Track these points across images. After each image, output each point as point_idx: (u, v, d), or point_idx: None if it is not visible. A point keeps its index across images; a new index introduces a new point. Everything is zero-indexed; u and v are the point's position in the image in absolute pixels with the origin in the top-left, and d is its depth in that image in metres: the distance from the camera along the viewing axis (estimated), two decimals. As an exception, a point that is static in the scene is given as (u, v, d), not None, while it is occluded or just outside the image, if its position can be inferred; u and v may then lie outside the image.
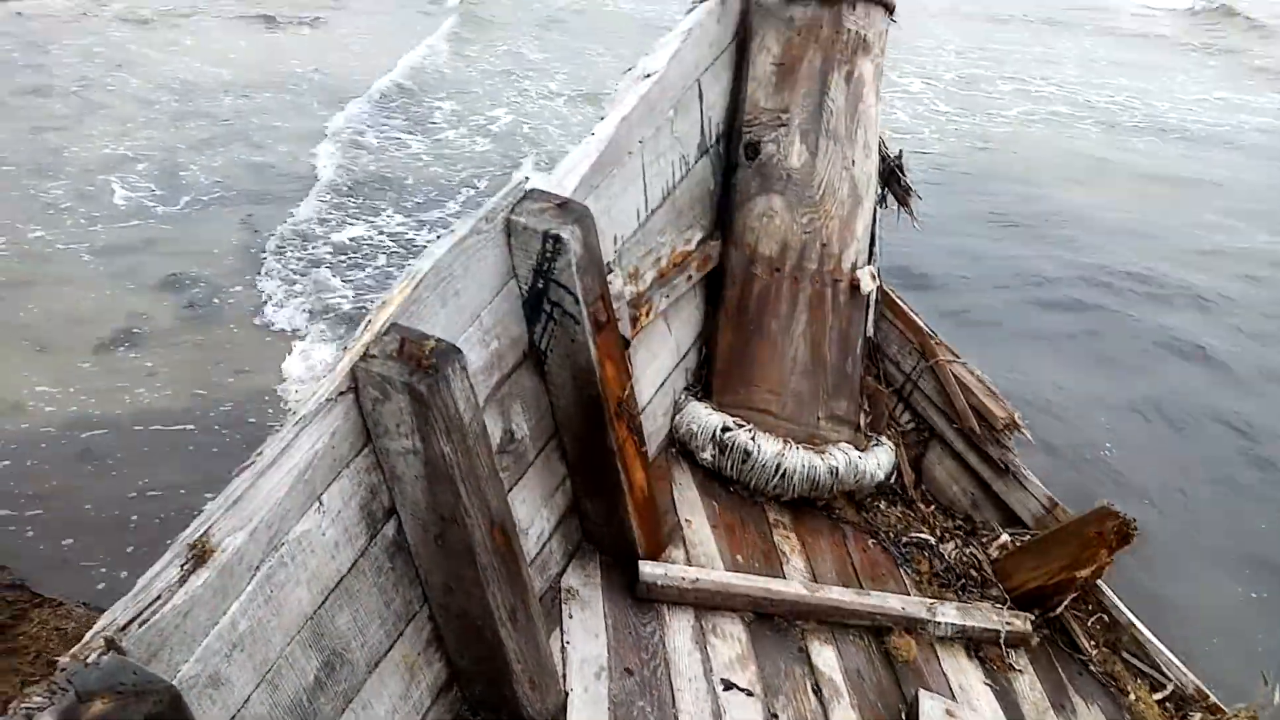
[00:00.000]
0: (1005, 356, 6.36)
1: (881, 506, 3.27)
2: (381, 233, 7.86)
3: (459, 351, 1.82)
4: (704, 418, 3.09)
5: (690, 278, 3.19)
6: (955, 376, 3.31)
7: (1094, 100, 13.85)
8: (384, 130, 10.40)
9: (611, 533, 2.63)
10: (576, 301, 2.25)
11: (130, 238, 7.46)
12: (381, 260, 7.40)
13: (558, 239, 2.18)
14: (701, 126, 3.27)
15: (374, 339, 1.79)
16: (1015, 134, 12.12)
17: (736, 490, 3.12)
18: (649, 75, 2.99)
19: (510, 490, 2.33)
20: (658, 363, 3.09)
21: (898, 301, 3.51)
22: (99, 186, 8.36)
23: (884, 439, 3.31)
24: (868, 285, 3.31)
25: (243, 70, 12.08)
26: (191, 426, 5.25)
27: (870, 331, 3.45)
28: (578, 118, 11.31)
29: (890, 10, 3.45)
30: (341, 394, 1.77)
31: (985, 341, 6.42)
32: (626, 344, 2.50)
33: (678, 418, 3.17)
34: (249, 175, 8.85)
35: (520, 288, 2.30)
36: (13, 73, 11.23)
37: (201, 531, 1.52)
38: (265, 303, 6.59)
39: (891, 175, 3.62)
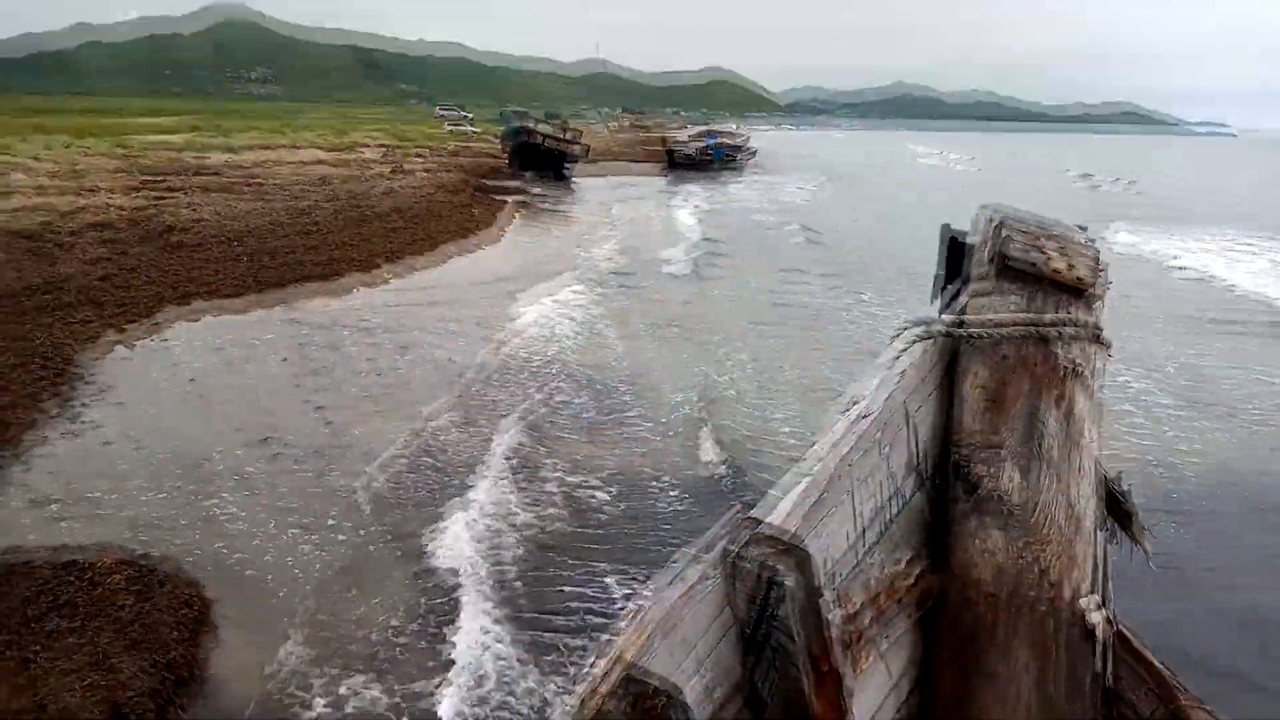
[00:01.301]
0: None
1: None
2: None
3: (686, 705, 1.92)
4: (923, 760, 2.96)
5: (902, 604, 3.18)
6: (1203, 728, 3.03)
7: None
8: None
9: None
10: (794, 642, 2.32)
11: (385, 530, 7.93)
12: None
13: (780, 584, 2.29)
14: (911, 453, 3.38)
15: (610, 690, 1.94)
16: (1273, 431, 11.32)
17: (960, 844, 2.90)
18: (857, 403, 3.17)
19: None
20: (871, 697, 3.03)
21: (1131, 639, 3.31)
22: (367, 476, 9.11)
23: (1124, 794, 3.02)
24: (1095, 619, 3.17)
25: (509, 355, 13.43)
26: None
27: (1101, 669, 3.25)
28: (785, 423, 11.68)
29: (1100, 338, 3.53)
30: None
31: (1242, 688, 5.74)
32: (842, 683, 2.51)
33: (894, 755, 3.05)
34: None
35: (741, 628, 2.40)
36: (306, 357, 13.01)
37: None
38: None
39: (1114, 503, 3.54)
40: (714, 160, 62.53)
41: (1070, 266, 3.55)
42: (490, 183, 40.66)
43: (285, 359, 12.83)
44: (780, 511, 2.65)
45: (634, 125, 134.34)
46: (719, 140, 67.50)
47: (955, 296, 3.70)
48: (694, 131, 75.98)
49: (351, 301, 16.82)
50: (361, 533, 7.80)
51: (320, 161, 40.56)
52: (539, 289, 18.77)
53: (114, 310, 14.66)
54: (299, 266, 18.74)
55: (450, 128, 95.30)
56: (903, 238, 28.65)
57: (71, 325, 13.63)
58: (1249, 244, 30.36)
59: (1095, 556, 3.35)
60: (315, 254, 19.88)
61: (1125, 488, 3.64)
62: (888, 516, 3.21)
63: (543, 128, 51.59)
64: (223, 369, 12.40)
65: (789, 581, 2.28)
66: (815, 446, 3.01)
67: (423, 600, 6.83)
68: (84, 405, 10.67)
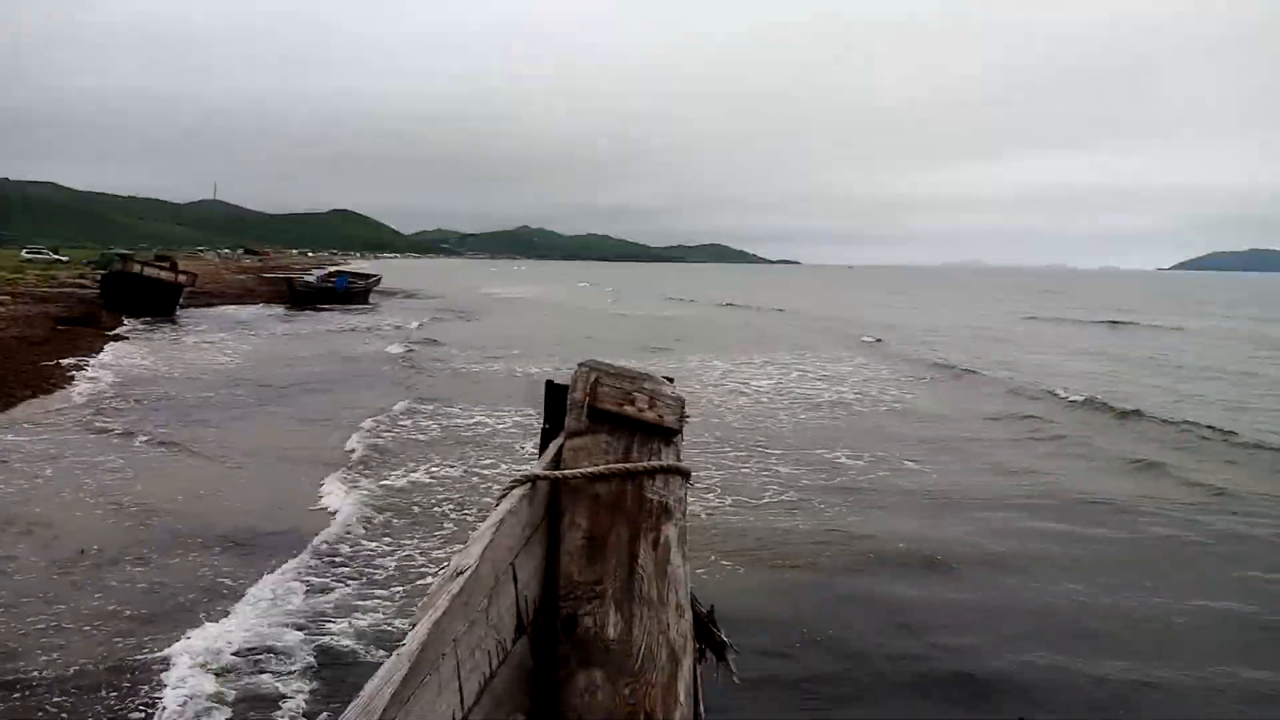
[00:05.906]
0: None
1: None
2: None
3: None
4: None
5: (511, 763, 3.02)
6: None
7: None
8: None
9: None
10: None
11: None
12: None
13: None
14: (518, 608, 3.33)
15: None
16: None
17: None
18: (461, 572, 3.07)
19: None
20: None
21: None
22: None
23: None
24: (698, 755, 3.22)
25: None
26: None
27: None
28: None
29: (687, 477, 3.79)
30: None
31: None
32: None
33: None
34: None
35: None
36: None
37: None
38: None
39: (705, 632, 3.74)
40: (337, 289, 68.50)
41: (660, 416, 3.81)
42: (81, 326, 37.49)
43: None
44: (371, 697, 2.45)
45: (256, 263, 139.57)
46: (338, 270, 79.06)
47: (559, 450, 3.80)
48: (325, 272, 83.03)
49: None
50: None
51: None
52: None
53: None
54: None
55: (28, 255, 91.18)
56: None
57: None
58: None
59: (693, 691, 3.49)
60: None
61: (716, 616, 3.88)
62: (495, 680, 3.11)
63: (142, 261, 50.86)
64: None
65: None
66: (415, 625, 2.84)
67: None
68: None
